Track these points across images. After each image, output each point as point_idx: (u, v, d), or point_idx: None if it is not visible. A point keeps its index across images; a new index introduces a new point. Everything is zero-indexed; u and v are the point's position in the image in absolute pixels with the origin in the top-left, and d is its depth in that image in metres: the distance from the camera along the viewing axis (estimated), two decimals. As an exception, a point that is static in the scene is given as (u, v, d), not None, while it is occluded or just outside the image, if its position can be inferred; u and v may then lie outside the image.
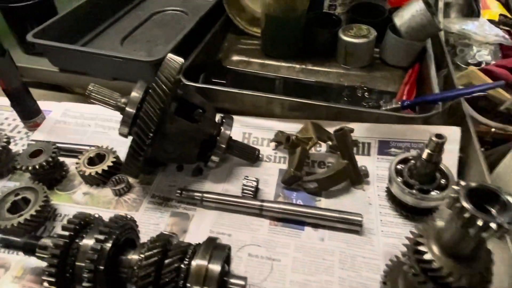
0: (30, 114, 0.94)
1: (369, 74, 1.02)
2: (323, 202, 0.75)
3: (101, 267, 0.52)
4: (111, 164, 0.79)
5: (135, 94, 0.70)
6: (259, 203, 0.72)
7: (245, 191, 0.74)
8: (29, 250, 0.59)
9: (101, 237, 0.53)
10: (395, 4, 1.17)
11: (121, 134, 0.73)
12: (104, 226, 0.55)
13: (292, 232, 0.70)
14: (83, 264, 0.52)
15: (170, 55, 0.72)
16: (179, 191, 0.75)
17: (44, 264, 0.63)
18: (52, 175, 0.80)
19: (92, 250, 0.52)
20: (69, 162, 0.85)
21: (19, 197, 0.72)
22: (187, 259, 0.54)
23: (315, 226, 0.70)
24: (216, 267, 0.52)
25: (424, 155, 0.64)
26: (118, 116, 0.97)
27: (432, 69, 0.90)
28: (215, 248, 0.54)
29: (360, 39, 0.99)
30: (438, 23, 0.95)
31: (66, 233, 0.55)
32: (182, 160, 0.79)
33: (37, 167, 0.75)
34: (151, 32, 1.18)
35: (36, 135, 0.93)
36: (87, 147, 0.85)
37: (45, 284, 0.53)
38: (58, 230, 0.71)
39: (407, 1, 0.97)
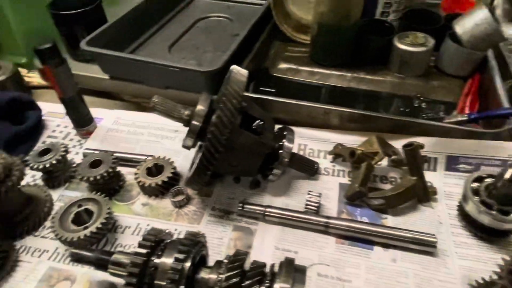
0: (83, 122, 0.94)
1: (426, 83, 0.98)
2: (390, 220, 0.72)
3: (182, 287, 0.51)
4: (170, 175, 0.79)
5: (201, 107, 0.69)
6: (324, 219, 0.69)
7: (308, 206, 0.72)
8: (101, 265, 0.58)
9: (181, 256, 0.52)
10: (449, 11, 1.14)
11: (185, 146, 0.72)
12: (181, 245, 0.54)
13: (361, 251, 0.67)
14: (163, 283, 0.51)
15: (235, 68, 0.71)
16: (240, 205, 0.73)
17: (112, 278, 0.63)
18: (110, 185, 0.79)
19: (173, 270, 0.51)
20: (125, 171, 0.85)
21: (82, 208, 0.72)
22: (267, 281, 0.52)
23: (385, 246, 0.67)
24: (300, 291, 0.50)
25: (508, 175, 0.61)
26: (170, 124, 0.97)
27: (498, 81, 0.86)
28: (296, 270, 0.52)
29: (417, 47, 0.96)
30: (503, 32, 0.91)
31: (144, 250, 0.54)
32: (243, 173, 0.78)
33: (98, 177, 0.75)
34: (198, 39, 1.17)
35: (89, 144, 0.93)
36: (143, 157, 0.85)
37: (124, 303, 0.52)
38: (121, 242, 0.71)
39: (469, 9, 0.93)
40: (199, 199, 0.78)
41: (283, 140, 0.74)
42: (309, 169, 0.79)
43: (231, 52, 0.91)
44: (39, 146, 0.83)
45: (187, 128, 0.71)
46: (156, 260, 0.54)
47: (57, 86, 0.84)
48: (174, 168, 0.81)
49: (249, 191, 0.79)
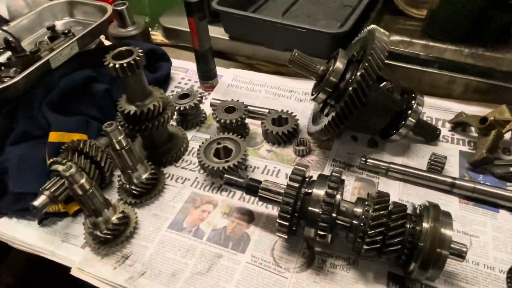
0: (209, 76, 1.03)
1: (552, 64, 0.95)
2: (515, 188, 0.73)
3: (334, 215, 0.58)
4: (294, 126, 0.85)
5: (340, 64, 0.74)
6: (450, 180, 0.72)
7: (433, 167, 0.75)
8: (251, 190, 0.66)
9: (335, 185, 0.58)
10: None
11: (316, 100, 0.78)
12: (333, 176, 0.60)
13: (486, 212, 0.69)
14: (316, 210, 0.58)
15: (376, 27, 0.75)
16: (363, 159, 0.78)
17: (249, 206, 0.71)
18: (239, 130, 0.87)
19: (329, 196, 0.57)
20: (247, 121, 0.93)
21: (221, 145, 0.81)
22: (413, 220, 0.56)
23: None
24: (449, 232, 0.54)
25: None
26: (286, 85, 1.03)
27: None
28: (443, 214, 0.56)
29: (549, 25, 0.92)
30: None
31: (299, 177, 0.61)
32: (367, 129, 0.82)
33: (233, 121, 0.84)
34: (308, 8, 1.21)
35: (213, 95, 1.02)
36: (266, 110, 0.92)
37: (279, 221, 0.60)
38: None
39: None
40: (320, 151, 0.84)
41: (412, 102, 0.77)
42: (430, 134, 0.82)
43: (356, 16, 0.95)
44: (177, 91, 0.93)
45: (303, 88, 0.74)
46: (308, 190, 0.61)
47: (197, 38, 0.94)
48: (297, 120, 0.87)
49: (367, 149, 0.84)
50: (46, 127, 0.81)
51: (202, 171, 0.82)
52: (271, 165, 0.82)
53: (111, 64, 0.67)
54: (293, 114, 0.89)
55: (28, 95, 0.82)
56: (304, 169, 0.62)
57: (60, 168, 0.71)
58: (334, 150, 0.84)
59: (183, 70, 1.14)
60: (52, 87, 0.83)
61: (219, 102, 0.96)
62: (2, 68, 0.89)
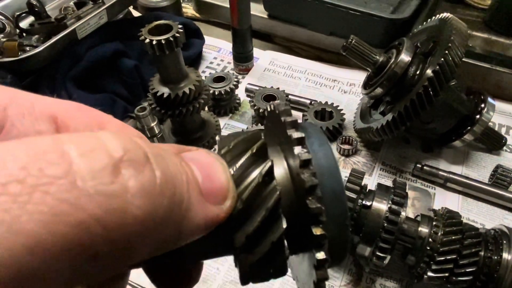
0: (245, 58, 0.94)
1: None
2: None
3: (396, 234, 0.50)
4: (340, 122, 0.77)
5: (405, 56, 0.64)
6: (520, 198, 0.63)
7: (499, 181, 0.66)
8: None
9: (400, 200, 0.50)
10: None
11: (371, 94, 0.69)
12: (396, 193, 0.52)
13: (561, 239, 0.61)
14: (376, 228, 0.50)
15: (451, 16, 0.65)
16: (419, 165, 0.69)
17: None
18: (277, 122, 0.79)
19: (393, 213, 0.49)
20: (287, 112, 0.85)
21: (259, 138, 0.73)
22: (490, 246, 0.49)
23: None
24: (536, 265, 0.46)
25: None
26: (328, 73, 0.94)
27: None
28: (525, 242, 0.48)
29: None
30: None
31: (356, 186, 0.53)
32: (426, 133, 0.73)
33: (273, 112, 0.76)
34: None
35: (248, 80, 0.94)
36: (308, 100, 0.83)
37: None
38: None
39: None
40: (367, 152, 0.76)
41: (482, 105, 0.68)
42: (495, 142, 0.72)
43: (418, 1, 0.84)
44: (209, 73, 0.85)
45: (348, 78, 0.66)
46: (366, 202, 0.53)
47: (237, 14, 0.84)
48: (343, 115, 0.79)
49: (421, 153, 0.75)
50: (69, 104, 0.74)
51: (235, 164, 0.74)
52: (312, 163, 0.74)
53: (148, 40, 0.59)
54: (339, 108, 0.80)
55: (51, 67, 0.75)
56: (362, 176, 0.54)
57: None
58: (383, 152, 0.76)
59: (216, 49, 1.05)
60: (78, 59, 0.76)
61: (256, 88, 0.87)
62: (24, 34, 0.81)
